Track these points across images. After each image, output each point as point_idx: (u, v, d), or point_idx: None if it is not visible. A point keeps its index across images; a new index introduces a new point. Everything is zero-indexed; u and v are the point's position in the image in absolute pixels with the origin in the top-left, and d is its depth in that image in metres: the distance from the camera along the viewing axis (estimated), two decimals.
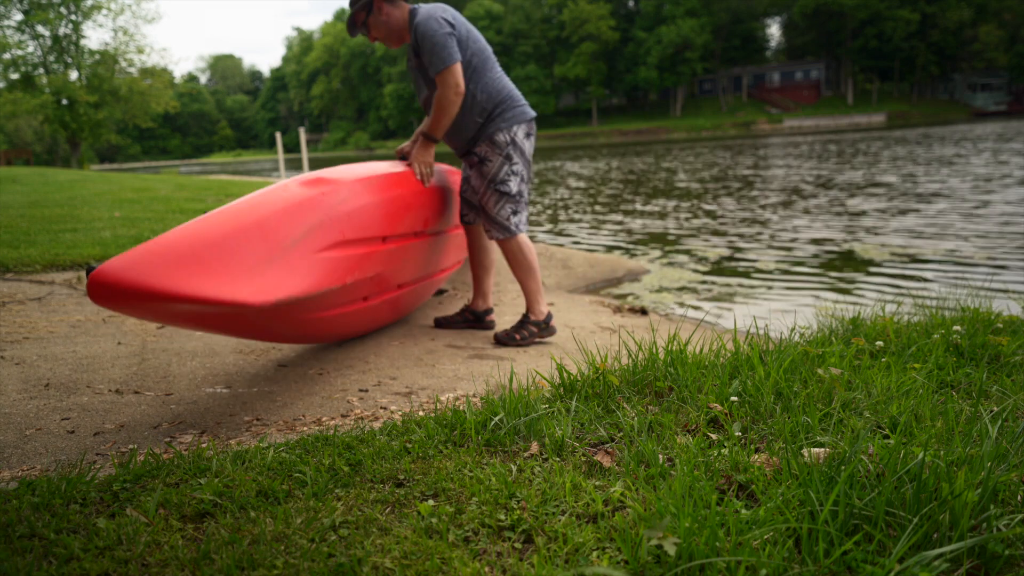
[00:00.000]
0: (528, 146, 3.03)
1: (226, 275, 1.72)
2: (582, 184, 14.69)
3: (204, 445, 1.70)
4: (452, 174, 3.36)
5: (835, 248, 6.23)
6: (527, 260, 3.04)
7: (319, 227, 2.08)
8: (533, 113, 3.06)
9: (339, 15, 78.22)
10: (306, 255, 2.01)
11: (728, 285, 5.09)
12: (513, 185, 2.97)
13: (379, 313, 2.83)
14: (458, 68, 2.79)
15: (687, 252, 6.43)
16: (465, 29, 2.90)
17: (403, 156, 3.17)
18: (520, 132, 2.98)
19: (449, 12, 2.87)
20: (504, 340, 3.03)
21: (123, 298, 1.58)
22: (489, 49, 2.99)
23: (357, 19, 2.93)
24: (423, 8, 2.86)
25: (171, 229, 1.79)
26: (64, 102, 32.44)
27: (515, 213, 2.99)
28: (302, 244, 2.00)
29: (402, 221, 2.64)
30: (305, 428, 1.91)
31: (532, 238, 7.70)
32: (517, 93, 3.03)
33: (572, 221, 9.17)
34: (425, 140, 2.91)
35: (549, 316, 3.09)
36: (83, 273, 4.17)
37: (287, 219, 1.99)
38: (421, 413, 1.92)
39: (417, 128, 3.23)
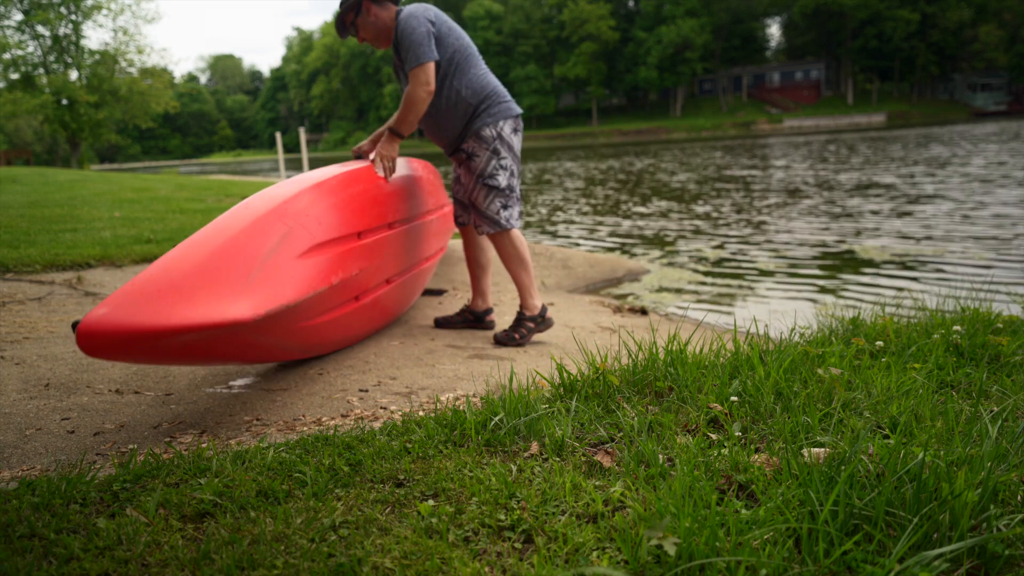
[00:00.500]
0: (516, 141, 3.03)
1: (212, 299, 1.71)
2: (582, 184, 14.69)
3: (204, 445, 1.70)
4: (412, 162, 3.37)
5: (835, 248, 6.23)
6: (519, 254, 3.04)
7: (289, 235, 2.09)
8: (519, 109, 3.07)
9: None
10: (284, 264, 2.01)
11: (728, 285, 5.10)
12: (502, 179, 2.98)
13: (375, 311, 2.83)
14: (431, 67, 2.79)
15: (687, 252, 6.43)
16: (447, 27, 2.92)
17: (359, 155, 3.18)
18: (507, 127, 2.99)
19: (431, 11, 2.89)
20: (504, 340, 3.03)
21: (116, 344, 1.56)
22: (473, 47, 3.00)
23: (346, 20, 2.95)
24: (406, 8, 2.89)
25: (144, 269, 1.78)
26: (64, 102, 32.43)
27: (505, 207, 3.00)
28: (277, 255, 2.00)
29: (371, 214, 2.65)
30: (305, 428, 1.91)
31: (531, 237, 7.69)
32: (502, 89, 3.04)
33: (572, 221, 9.17)
34: (391, 135, 2.90)
35: (544, 309, 3.09)
36: (82, 273, 4.17)
37: (255, 235, 1.99)
38: (421, 413, 1.92)
39: (377, 129, 3.25)
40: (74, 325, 1.57)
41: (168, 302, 1.64)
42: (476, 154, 2.98)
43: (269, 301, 1.86)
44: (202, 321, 1.64)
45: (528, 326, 3.05)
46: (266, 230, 2.03)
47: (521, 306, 3.09)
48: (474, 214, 3.06)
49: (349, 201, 2.51)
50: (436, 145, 3.14)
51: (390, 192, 2.87)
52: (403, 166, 3.16)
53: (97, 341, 1.55)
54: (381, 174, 2.87)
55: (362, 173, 2.75)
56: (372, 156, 2.97)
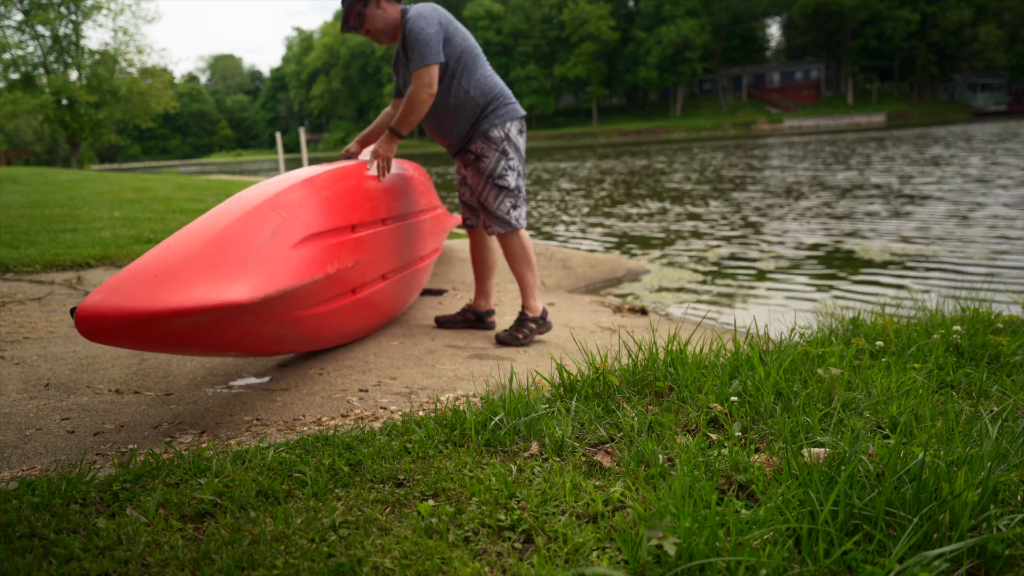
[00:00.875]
0: (521, 142, 3.06)
1: (209, 283, 1.72)
2: (581, 184, 14.69)
3: (204, 445, 1.70)
4: (403, 163, 3.39)
5: (835, 249, 6.23)
6: (527, 254, 3.07)
7: (283, 226, 2.11)
8: (523, 111, 3.10)
9: (339, 15, 78.28)
10: (279, 253, 2.03)
11: (728, 285, 5.10)
12: (511, 179, 3.00)
13: (372, 307, 2.84)
14: (435, 70, 2.80)
15: (687, 252, 6.43)
16: (454, 27, 2.93)
17: (348, 157, 3.17)
18: (513, 128, 3.01)
19: (440, 10, 2.90)
20: (507, 340, 3.03)
21: (114, 328, 1.56)
22: (479, 47, 3.02)
23: (353, 10, 2.93)
24: (415, 6, 2.89)
25: (141, 256, 1.80)
26: (64, 102, 32.44)
27: (515, 207, 3.02)
28: (271, 244, 2.02)
29: (364, 209, 2.66)
30: (305, 428, 1.91)
31: (531, 237, 7.70)
32: (508, 90, 3.06)
33: (572, 221, 9.17)
34: (390, 135, 2.90)
35: (544, 312, 3.12)
36: (82, 273, 4.17)
37: (249, 225, 2.00)
38: (421, 413, 1.92)
39: (364, 130, 3.26)
40: (72, 310, 1.57)
41: (167, 286, 1.65)
42: (485, 155, 2.98)
43: (266, 285, 1.87)
44: (200, 303, 1.64)
45: (530, 327, 3.07)
46: (260, 220, 2.05)
47: (524, 307, 3.10)
48: (484, 215, 3.07)
49: (342, 195, 2.54)
50: (440, 144, 3.15)
51: (382, 189, 2.89)
52: (394, 166, 3.18)
53: (96, 324, 1.55)
54: (374, 172, 2.87)
55: (354, 170, 2.77)
56: (364, 156, 2.97)
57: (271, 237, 2.03)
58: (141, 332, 1.61)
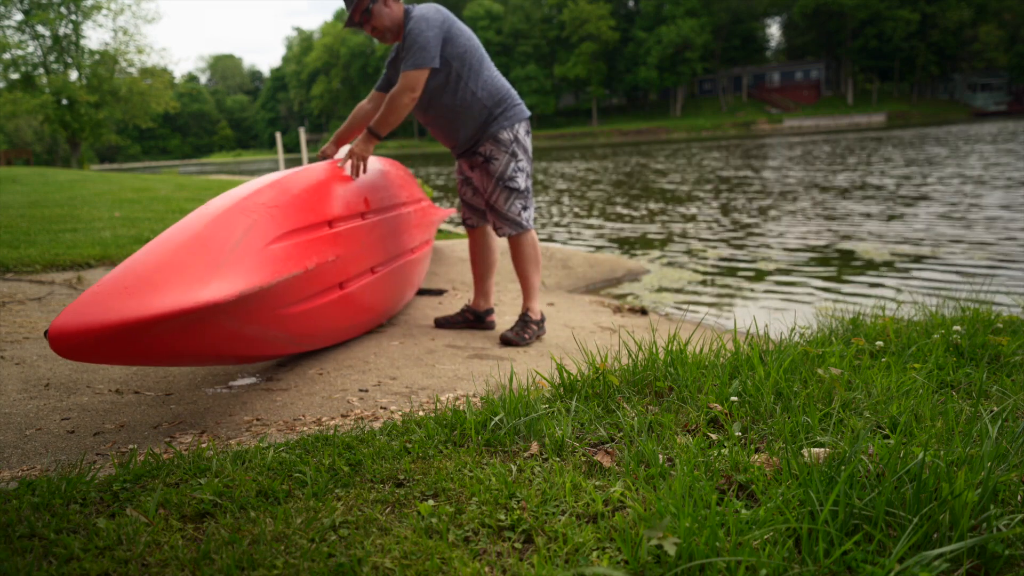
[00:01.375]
0: (528, 143, 3.08)
1: (182, 287, 1.70)
2: (581, 184, 14.69)
3: (204, 445, 1.70)
4: (380, 160, 3.39)
5: (835, 249, 6.23)
6: (536, 255, 3.11)
7: (255, 227, 2.10)
8: (529, 112, 3.10)
9: (339, 15, 78.31)
10: (253, 252, 2.02)
11: (728, 285, 5.10)
12: (521, 181, 3.01)
13: (364, 301, 2.83)
14: (425, 75, 2.80)
15: (687, 252, 6.43)
16: (457, 28, 2.93)
17: (325, 156, 3.18)
18: (521, 130, 3.01)
19: (443, 12, 2.90)
20: (515, 340, 3.03)
21: (90, 343, 1.53)
22: (483, 49, 3.02)
23: (360, 5, 2.88)
24: (419, 7, 2.89)
25: (111, 270, 1.77)
26: (64, 102, 32.43)
27: (525, 209, 3.04)
28: (244, 244, 2.01)
29: (339, 205, 2.66)
30: (305, 428, 1.91)
31: None
32: (514, 91, 3.07)
33: (571, 221, 9.17)
34: (369, 135, 2.88)
35: (542, 316, 3.15)
36: (82, 273, 4.17)
37: (220, 229, 1.99)
38: (421, 413, 1.93)
39: (338, 129, 3.26)
40: (46, 332, 1.54)
41: (138, 295, 1.63)
42: (495, 157, 2.98)
43: (242, 284, 1.85)
44: (175, 308, 1.62)
45: (533, 328, 3.08)
46: (230, 223, 2.04)
47: (527, 308, 3.11)
48: (493, 217, 3.07)
49: (314, 192, 2.54)
50: (443, 145, 3.14)
51: (358, 185, 2.89)
52: (370, 162, 3.17)
53: (70, 343, 1.52)
54: (349, 172, 2.85)
55: (326, 168, 2.77)
56: (339, 155, 2.97)
57: (243, 238, 2.02)
58: (118, 345, 1.58)
